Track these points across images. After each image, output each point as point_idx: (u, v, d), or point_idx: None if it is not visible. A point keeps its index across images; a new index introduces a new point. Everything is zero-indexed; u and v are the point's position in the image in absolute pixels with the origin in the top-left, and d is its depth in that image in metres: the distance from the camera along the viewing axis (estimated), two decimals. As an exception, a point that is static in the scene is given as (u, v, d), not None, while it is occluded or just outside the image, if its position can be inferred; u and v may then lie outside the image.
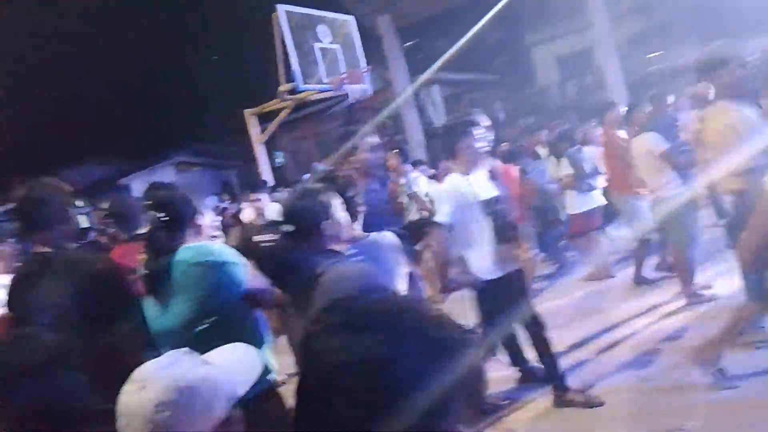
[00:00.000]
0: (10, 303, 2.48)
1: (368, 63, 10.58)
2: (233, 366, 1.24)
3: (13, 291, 2.49)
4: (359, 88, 9.75)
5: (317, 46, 9.08)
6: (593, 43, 15.00)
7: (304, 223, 2.09)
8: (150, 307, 2.46)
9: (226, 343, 1.33)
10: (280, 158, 22.45)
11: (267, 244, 2.17)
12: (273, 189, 8.88)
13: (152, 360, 1.19)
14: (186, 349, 1.22)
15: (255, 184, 8.03)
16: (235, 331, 2.00)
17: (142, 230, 3.65)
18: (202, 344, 1.33)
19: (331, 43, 9.43)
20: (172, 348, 2.49)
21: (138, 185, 19.79)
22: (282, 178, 19.14)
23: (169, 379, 1.10)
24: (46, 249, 2.48)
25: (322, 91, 9.66)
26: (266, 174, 10.58)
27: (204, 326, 2.22)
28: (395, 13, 15.46)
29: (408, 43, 16.34)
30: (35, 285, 2.39)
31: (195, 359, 1.19)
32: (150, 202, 2.47)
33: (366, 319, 0.75)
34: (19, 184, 2.60)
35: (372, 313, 0.77)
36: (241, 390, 1.19)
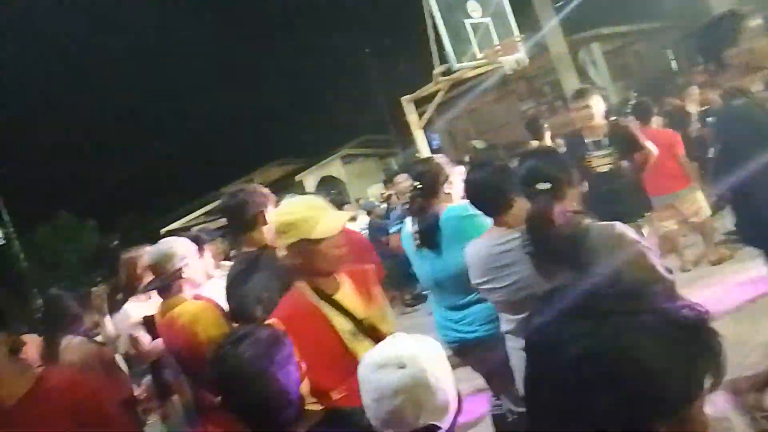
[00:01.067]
0: (228, 297, 2.80)
1: (521, 31, 10.16)
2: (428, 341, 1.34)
3: (228, 287, 2.80)
4: (514, 59, 9.40)
5: (468, 22, 8.91)
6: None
7: (560, 181, 2.07)
8: (422, 258, 2.99)
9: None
10: (436, 140, 22.59)
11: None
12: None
13: (388, 341, 1.29)
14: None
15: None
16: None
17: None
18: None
19: (481, 17, 9.20)
20: (450, 291, 2.82)
21: (310, 181, 21.18)
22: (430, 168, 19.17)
23: (424, 354, 1.21)
24: (252, 248, 2.75)
25: (476, 68, 9.48)
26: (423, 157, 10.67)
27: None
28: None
29: (560, 2, 15.39)
30: (245, 281, 2.66)
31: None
32: (412, 174, 3.05)
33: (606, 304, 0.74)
34: (224, 191, 2.92)
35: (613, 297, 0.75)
36: None
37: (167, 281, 2.71)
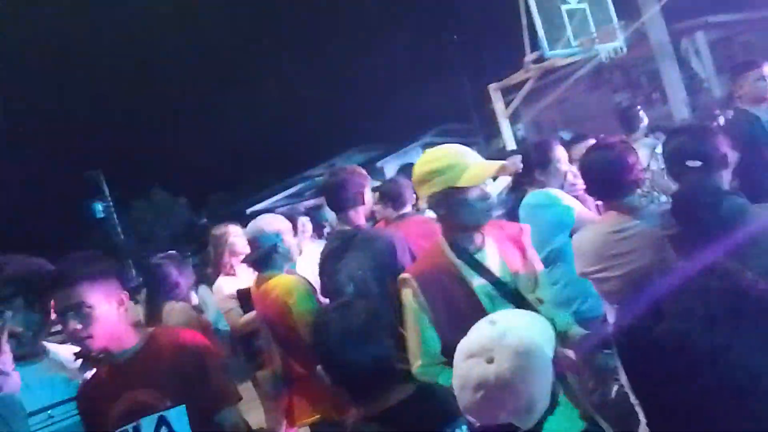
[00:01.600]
0: (320, 273, 2.87)
1: (620, 18, 9.68)
2: (537, 327, 1.29)
3: (322, 263, 2.87)
4: (611, 47, 9.01)
5: (564, 8, 8.60)
6: None
7: (712, 159, 1.99)
8: None
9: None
10: (521, 130, 22.05)
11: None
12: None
13: (487, 325, 1.26)
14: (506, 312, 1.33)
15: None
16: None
17: (408, 209, 3.92)
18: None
19: (578, 2, 8.85)
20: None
21: (390, 167, 21.29)
22: (524, 151, 18.75)
23: (520, 348, 1.18)
24: (347, 227, 2.81)
25: (570, 56, 9.15)
26: (511, 148, 10.44)
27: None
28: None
29: (664, -12, 14.52)
30: (339, 259, 2.72)
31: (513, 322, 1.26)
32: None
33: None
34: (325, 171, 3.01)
35: None
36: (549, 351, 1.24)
37: (264, 255, 2.80)
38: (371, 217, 3.79)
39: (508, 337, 1.21)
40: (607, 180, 2.18)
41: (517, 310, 1.51)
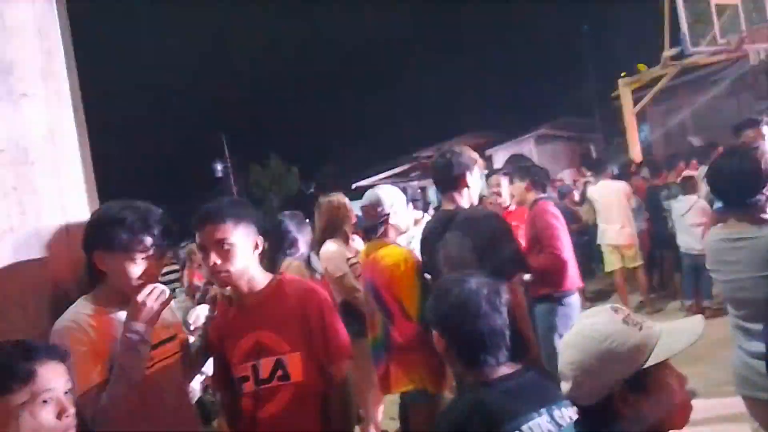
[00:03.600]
0: (422, 251, 2.93)
1: (778, 16, 8.82)
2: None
3: (423, 241, 2.93)
4: (763, 48, 8.25)
5: (713, 2, 7.96)
6: None
7: None
8: None
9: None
10: (645, 131, 20.78)
11: None
12: (636, 168, 8.22)
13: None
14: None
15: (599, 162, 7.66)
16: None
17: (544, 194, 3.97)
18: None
19: (733, -3, 8.17)
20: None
21: (500, 156, 20.90)
22: (648, 155, 17.71)
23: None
24: (451, 207, 2.85)
25: (714, 54, 8.48)
26: (635, 147, 9.91)
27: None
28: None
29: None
30: (440, 238, 2.77)
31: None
32: None
33: None
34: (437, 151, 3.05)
35: None
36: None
37: (376, 223, 2.89)
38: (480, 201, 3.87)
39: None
40: (734, 187, 2.25)
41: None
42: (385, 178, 22.25)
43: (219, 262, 1.90)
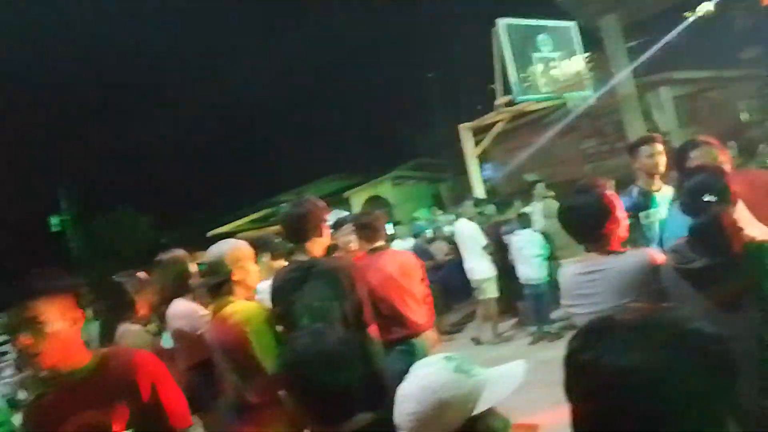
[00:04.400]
0: (275, 302, 2.85)
1: (591, 69, 10.08)
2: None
3: (277, 292, 2.86)
4: (580, 96, 9.34)
5: (537, 55, 8.91)
6: None
7: (725, 196, 2.06)
8: None
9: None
10: (488, 171, 22.43)
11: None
12: (480, 202, 8.91)
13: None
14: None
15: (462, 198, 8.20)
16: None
17: (382, 242, 3.96)
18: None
19: (551, 51, 9.18)
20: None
21: (358, 199, 21.35)
22: (491, 191, 19.08)
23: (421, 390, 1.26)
24: (305, 257, 2.83)
25: (540, 101, 9.45)
26: (478, 186, 10.64)
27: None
28: (622, 11, 14.45)
29: (633, 43, 15.15)
30: (297, 289, 2.72)
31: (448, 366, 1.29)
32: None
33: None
34: (287, 202, 3.02)
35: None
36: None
37: (220, 281, 2.77)
38: (333, 249, 3.85)
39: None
40: (579, 222, 2.34)
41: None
42: (243, 224, 21.69)
43: (30, 342, 1.71)
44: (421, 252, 8.50)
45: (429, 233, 10.11)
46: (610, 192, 2.35)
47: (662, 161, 3.54)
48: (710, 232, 1.94)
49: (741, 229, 1.92)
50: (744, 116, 16.80)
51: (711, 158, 2.80)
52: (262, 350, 2.60)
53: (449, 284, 8.31)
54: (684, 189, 2.13)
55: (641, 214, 3.32)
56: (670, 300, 2.05)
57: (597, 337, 0.85)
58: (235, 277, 2.78)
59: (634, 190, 3.46)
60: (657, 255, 2.23)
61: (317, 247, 2.92)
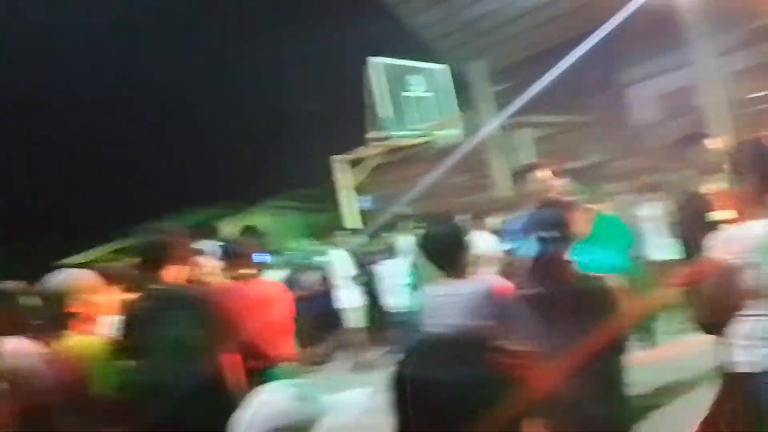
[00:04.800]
0: (127, 334, 2.68)
1: (459, 109, 10.69)
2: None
3: (130, 323, 2.69)
4: (449, 134, 9.85)
5: (409, 94, 9.30)
6: (696, 81, 14.35)
7: (566, 232, 2.22)
8: None
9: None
10: (365, 203, 22.85)
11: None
12: (352, 233, 9.07)
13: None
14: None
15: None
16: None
17: (249, 270, 3.87)
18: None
19: (423, 91, 9.64)
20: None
21: (230, 229, 20.78)
22: (366, 222, 19.44)
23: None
24: (161, 286, 2.70)
25: (411, 138, 9.84)
26: (351, 218, 10.80)
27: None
28: (490, 58, 15.54)
29: (500, 87, 16.32)
30: (153, 319, 2.59)
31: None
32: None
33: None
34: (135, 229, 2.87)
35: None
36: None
37: (57, 314, 2.56)
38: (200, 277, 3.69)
39: None
40: (438, 250, 2.55)
41: None
42: (102, 254, 20.25)
43: None
44: (293, 282, 8.43)
45: (303, 263, 10.04)
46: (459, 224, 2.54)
47: (548, 187, 3.63)
48: (545, 265, 2.14)
49: (569, 262, 2.11)
50: (594, 158, 18.58)
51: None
52: (101, 387, 2.44)
53: (321, 314, 8.28)
54: (527, 223, 2.31)
55: None
56: (516, 321, 2.22)
57: (416, 354, 0.90)
58: (74, 310, 2.58)
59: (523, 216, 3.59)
60: (500, 283, 2.41)
61: (177, 275, 2.80)
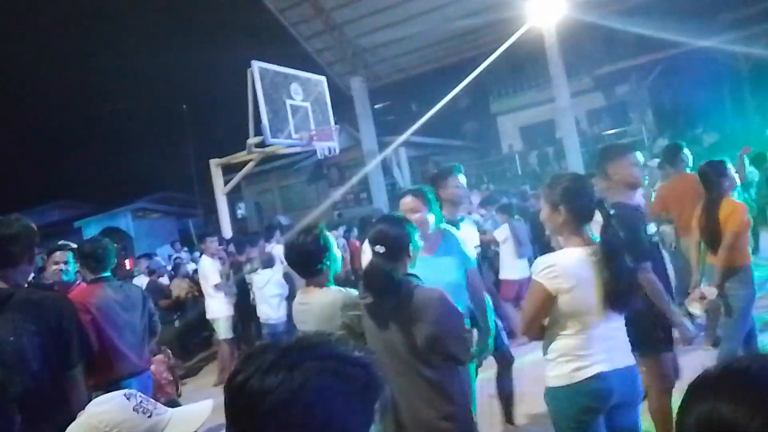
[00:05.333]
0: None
1: (338, 122, 10.80)
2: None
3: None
4: (327, 146, 9.90)
5: (289, 102, 9.24)
6: (555, 116, 15.68)
7: (396, 247, 2.30)
8: None
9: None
10: (242, 209, 22.33)
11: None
12: (230, 240, 8.84)
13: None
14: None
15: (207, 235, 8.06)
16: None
17: (106, 274, 3.62)
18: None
19: (302, 100, 9.61)
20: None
21: (92, 229, 19.35)
22: (243, 229, 18.97)
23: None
24: (4, 285, 2.43)
25: (290, 146, 9.78)
26: (226, 224, 10.50)
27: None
28: (368, 76, 15.94)
29: (378, 105, 16.77)
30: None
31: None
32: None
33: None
34: None
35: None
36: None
37: None
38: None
39: None
40: (300, 259, 2.55)
41: None
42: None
43: None
44: (155, 288, 7.99)
45: (169, 269, 9.54)
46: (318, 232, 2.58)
47: (466, 192, 3.71)
48: (374, 277, 2.28)
49: (393, 276, 2.26)
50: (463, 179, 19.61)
51: (412, 205, 3.15)
52: None
53: (188, 324, 7.92)
54: (368, 237, 2.47)
55: None
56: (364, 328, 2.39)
57: (248, 362, 0.89)
58: None
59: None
60: (343, 294, 2.51)
61: (20, 274, 2.52)
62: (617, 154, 3.09)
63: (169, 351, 4.43)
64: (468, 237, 3.48)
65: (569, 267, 2.16)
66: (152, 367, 3.84)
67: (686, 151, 5.14)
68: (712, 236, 3.82)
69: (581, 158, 13.58)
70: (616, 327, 2.22)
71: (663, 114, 18.04)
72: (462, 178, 3.61)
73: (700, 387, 0.78)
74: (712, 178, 3.86)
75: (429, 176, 3.92)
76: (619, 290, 2.14)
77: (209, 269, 6.82)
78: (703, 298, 3.78)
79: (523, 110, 20.84)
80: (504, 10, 12.17)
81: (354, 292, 2.50)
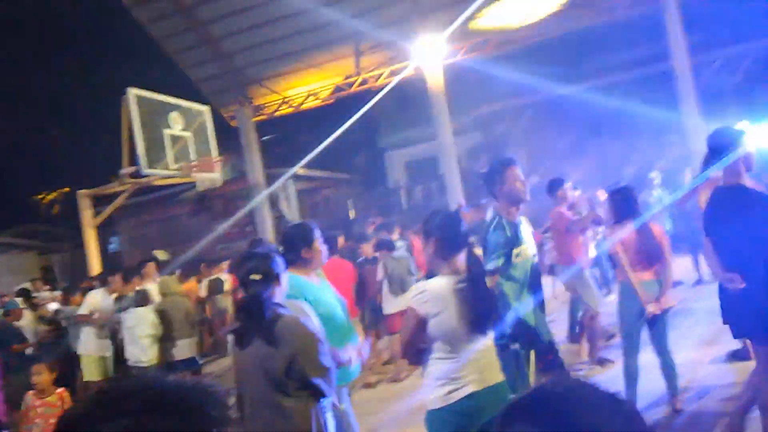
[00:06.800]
0: None
1: (223, 153, 10.52)
2: None
3: None
4: (209, 177, 9.59)
5: (167, 132, 8.86)
6: (438, 153, 16.32)
7: (269, 277, 2.43)
8: None
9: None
10: (115, 243, 20.90)
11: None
12: (102, 275, 8.24)
13: None
14: None
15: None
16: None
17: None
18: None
19: (183, 130, 9.27)
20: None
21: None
22: (117, 264, 17.69)
23: None
24: None
25: (167, 177, 9.35)
26: (96, 259, 9.77)
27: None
28: (253, 107, 15.73)
29: (265, 137, 16.52)
30: None
31: None
32: None
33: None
34: None
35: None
36: None
37: None
38: None
39: None
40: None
41: None
42: None
43: None
44: (10, 332, 7.21)
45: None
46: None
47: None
48: (251, 305, 2.38)
49: (276, 304, 2.41)
50: (351, 212, 19.77)
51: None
52: None
53: (55, 363, 7.17)
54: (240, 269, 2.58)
55: None
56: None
57: (96, 405, 0.82)
58: None
59: None
60: None
61: None
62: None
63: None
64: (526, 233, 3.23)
65: (437, 293, 2.35)
66: None
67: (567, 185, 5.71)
68: None
69: (462, 194, 14.17)
70: (485, 347, 2.42)
71: (535, 154, 19.42)
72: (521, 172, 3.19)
73: (511, 408, 0.79)
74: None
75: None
76: (480, 314, 2.35)
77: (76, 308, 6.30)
78: None
79: (409, 146, 21.51)
80: (391, 51, 12.60)
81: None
